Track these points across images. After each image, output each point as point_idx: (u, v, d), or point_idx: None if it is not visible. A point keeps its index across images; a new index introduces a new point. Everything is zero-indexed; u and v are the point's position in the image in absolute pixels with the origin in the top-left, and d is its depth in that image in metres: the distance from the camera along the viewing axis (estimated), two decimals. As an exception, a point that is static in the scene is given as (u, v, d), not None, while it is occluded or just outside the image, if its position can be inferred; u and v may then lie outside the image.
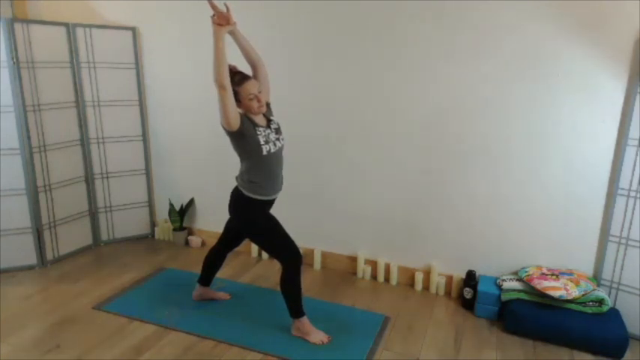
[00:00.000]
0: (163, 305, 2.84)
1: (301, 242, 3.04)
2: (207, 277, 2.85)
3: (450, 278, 3.07)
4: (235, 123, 2.21)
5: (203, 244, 3.77)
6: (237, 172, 2.46)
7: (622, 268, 2.63)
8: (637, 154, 2.50)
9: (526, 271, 2.75)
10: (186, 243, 3.80)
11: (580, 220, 2.71)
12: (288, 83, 3.16)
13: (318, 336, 2.52)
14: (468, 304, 2.91)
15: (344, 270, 3.38)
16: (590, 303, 2.55)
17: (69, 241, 3.51)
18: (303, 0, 3.04)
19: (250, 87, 2.26)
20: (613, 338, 2.43)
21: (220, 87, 2.12)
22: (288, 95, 3.13)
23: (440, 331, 2.69)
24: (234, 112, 2.19)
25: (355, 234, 3.30)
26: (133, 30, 3.54)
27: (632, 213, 2.55)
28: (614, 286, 2.67)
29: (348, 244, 3.35)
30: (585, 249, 2.74)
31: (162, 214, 3.88)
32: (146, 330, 2.60)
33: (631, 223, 2.57)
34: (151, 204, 3.86)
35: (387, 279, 3.25)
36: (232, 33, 2.26)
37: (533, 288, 2.63)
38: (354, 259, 3.33)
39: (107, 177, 3.65)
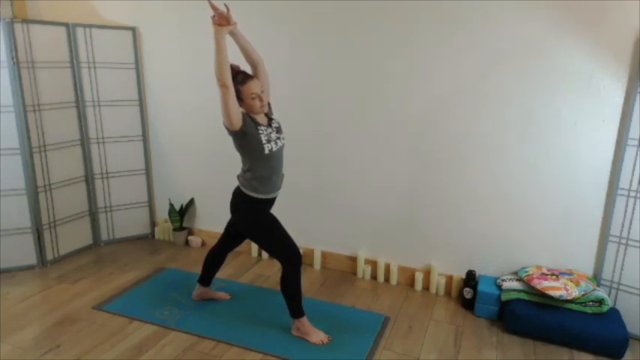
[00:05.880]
0: (163, 305, 2.84)
1: (301, 242, 3.05)
2: (207, 276, 2.86)
3: (450, 278, 3.07)
4: (237, 122, 2.21)
5: (203, 244, 3.77)
6: (237, 172, 2.47)
7: (622, 268, 2.63)
8: (637, 154, 2.50)
9: (526, 271, 2.76)
10: (186, 243, 3.81)
11: (580, 220, 2.71)
12: (287, 83, 3.16)
13: (318, 336, 2.52)
14: (468, 304, 2.91)
15: (344, 270, 3.38)
16: (590, 303, 2.56)
17: (69, 241, 3.52)
18: (302, 0, 3.04)
19: (253, 86, 2.26)
20: (613, 338, 2.43)
21: (223, 86, 2.13)
22: (287, 95, 3.13)
23: (440, 331, 2.69)
24: (237, 112, 2.20)
25: (355, 234, 3.31)
26: (133, 30, 3.54)
27: (632, 213, 2.55)
28: (614, 286, 2.67)
29: (348, 244, 3.35)
30: (585, 249, 2.74)
31: (162, 214, 3.88)
32: (146, 330, 2.60)
33: (631, 223, 2.57)
34: (151, 204, 3.86)
35: (387, 279, 3.25)
36: (233, 33, 2.26)
37: (533, 288, 2.64)
38: (354, 259, 3.33)
39: (107, 177, 3.65)
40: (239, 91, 2.23)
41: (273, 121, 2.44)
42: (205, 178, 3.67)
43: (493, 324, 2.76)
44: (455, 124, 2.87)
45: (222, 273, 3.12)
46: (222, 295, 2.95)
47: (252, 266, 3.44)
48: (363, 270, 3.28)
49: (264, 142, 2.29)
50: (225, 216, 2.60)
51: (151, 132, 3.75)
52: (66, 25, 3.31)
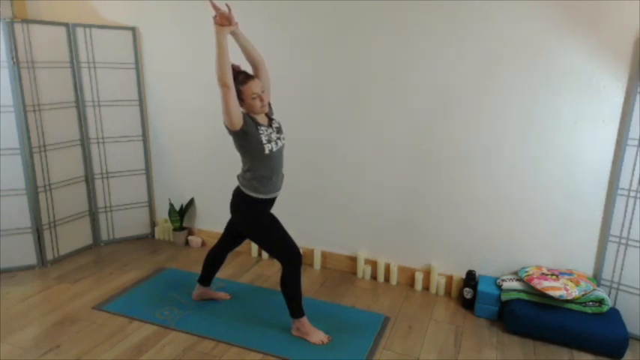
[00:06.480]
0: (163, 305, 2.84)
1: (301, 242, 3.05)
2: (207, 276, 2.86)
3: (450, 278, 3.07)
4: (238, 122, 2.21)
5: (203, 244, 3.77)
6: (237, 172, 2.47)
7: (622, 268, 2.63)
8: (637, 154, 2.50)
9: (526, 271, 2.76)
10: (186, 243, 3.81)
11: (580, 220, 2.71)
12: (287, 83, 3.16)
13: (318, 336, 2.52)
14: (468, 304, 2.91)
15: (344, 270, 3.38)
16: (590, 303, 2.56)
17: (69, 241, 3.51)
18: (302, 0, 3.04)
19: (253, 86, 2.26)
20: (613, 338, 2.43)
21: (224, 86, 2.13)
22: (287, 95, 3.13)
23: (440, 331, 2.69)
24: (237, 112, 2.20)
25: (355, 234, 3.31)
26: (133, 30, 3.54)
27: (632, 213, 2.55)
28: (614, 286, 2.67)
29: (348, 244, 3.35)
30: (585, 249, 2.74)
31: (162, 214, 3.88)
32: (146, 330, 2.60)
33: (631, 223, 2.57)
34: (151, 204, 3.86)
35: (387, 279, 3.25)
36: (234, 33, 2.26)
37: (533, 288, 2.64)
38: (354, 259, 3.33)
39: (107, 177, 3.65)
40: (240, 91, 2.23)
41: (273, 122, 2.44)
42: (205, 178, 3.67)
43: (493, 324, 2.77)
44: (455, 124, 2.87)
45: (222, 273, 3.12)
46: (222, 295, 2.95)
47: (252, 266, 3.44)
48: (363, 270, 3.28)
49: (264, 142, 2.29)
50: (225, 216, 2.60)
51: (151, 132, 3.75)
52: (66, 25, 3.31)
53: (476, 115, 2.82)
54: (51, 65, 3.25)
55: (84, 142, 3.50)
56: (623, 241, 2.61)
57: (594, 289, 2.57)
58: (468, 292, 2.90)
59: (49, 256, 3.38)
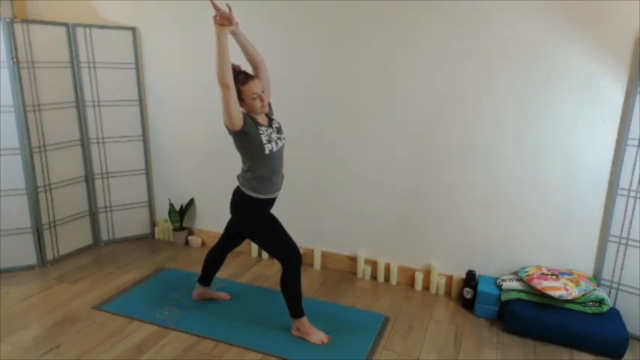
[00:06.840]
0: (163, 305, 2.84)
1: (301, 242, 3.05)
2: (207, 276, 2.86)
3: (450, 278, 3.07)
4: (238, 122, 2.21)
5: (203, 244, 3.77)
6: (237, 172, 2.47)
7: (622, 268, 2.63)
8: (637, 154, 2.50)
9: (526, 271, 2.76)
10: (186, 243, 3.81)
11: (580, 220, 2.71)
12: (287, 83, 3.16)
13: (318, 336, 2.52)
14: (468, 304, 2.91)
15: (344, 270, 3.39)
16: (590, 303, 2.56)
17: (69, 241, 3.51)
18: (302, 0, 3.04)
19: (254, 86, 2.26)
20: (613, 338, 2.43)
21: (224, 86, 2.13)
22: (287, 95, 3.13)
23: (440, 331, 2.69)
24: (237, 112, 2.20)
25: (355, 234, 3.31)
26: (133, 30, 3.54)
27: (632, 213, 2.55)
28: (614, 286, 2.67)
29: (348, 244, 3.35)
30: (585, 249, 2.74)
31: (162, 214, 3.88)
32: (146, 330, 2.60)
33: (631, 223, 2.57)
34: (151, 204, 3.86)
35: (387, 279, 3.25)
36: (234, 33, 2.25)
37: (533, 288, 2.64)
38: (354, 259, 3.33)
39: (107, 177, 3.65)
40: (240, 91, 2.23)
41: (273, 122, 2.44)
42: (205, 178, 3.67)
43: (493, 324, 2.77)
44: (455, 124, 2.87)
45: (222, 273, 3.12)
46: (222, 295, 2.95)
47: (252, 266, 3.44)
48: (363, 270, 3.28)
49: (264, 142, 2.30)
50: (225, 216, 2.60)
51: (151, 132, 3.75)
52: (66, 25, 3.31)
53: (476, 115, 2.82)
54: (51, 65, 3.25)
55: (84, 142, 3.50)
56: (623, 241, 2.61)
57: (594, 289, 2.57)
58: (467, 292, 2.90)
59: (49, 256, 3.38)
